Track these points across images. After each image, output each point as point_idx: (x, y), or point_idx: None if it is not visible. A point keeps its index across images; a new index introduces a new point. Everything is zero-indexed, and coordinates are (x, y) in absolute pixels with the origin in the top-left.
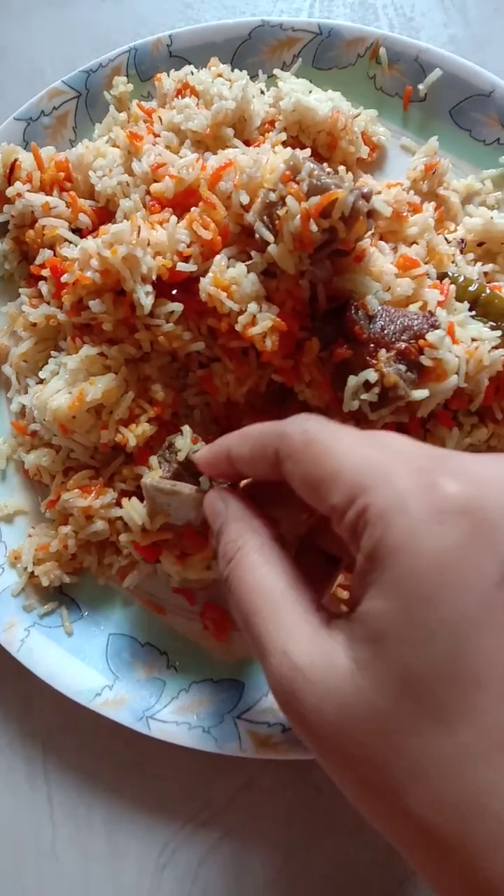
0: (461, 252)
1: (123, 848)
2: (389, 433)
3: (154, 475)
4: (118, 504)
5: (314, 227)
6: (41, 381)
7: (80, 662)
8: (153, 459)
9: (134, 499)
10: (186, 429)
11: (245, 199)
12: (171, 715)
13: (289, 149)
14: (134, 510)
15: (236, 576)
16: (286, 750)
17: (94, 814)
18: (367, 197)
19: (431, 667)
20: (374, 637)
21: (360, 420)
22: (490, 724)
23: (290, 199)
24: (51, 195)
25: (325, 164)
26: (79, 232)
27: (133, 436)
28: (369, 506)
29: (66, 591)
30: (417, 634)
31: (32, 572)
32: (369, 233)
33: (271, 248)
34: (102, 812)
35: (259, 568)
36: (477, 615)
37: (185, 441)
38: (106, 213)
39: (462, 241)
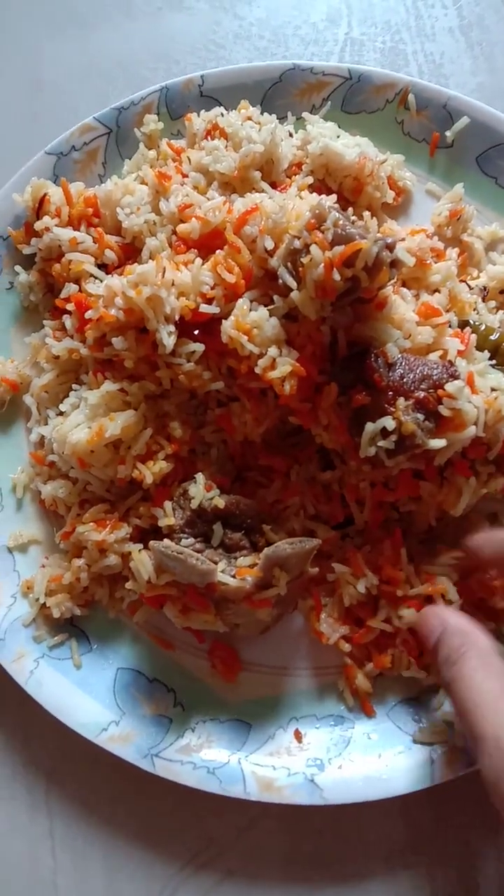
0: (483, 300)
1: (122, 885)
2: None
3: (166, 521)
4: (132, 539)
5: (337, 276)
6: (61, 413)
7: (88, 696)
8: (168, 506)
9: (144, 552)
10: (200, 476)
11: (270, 245)
12: (176, 754)
13: (314, 195)
14: (142, 564)
15: (459, 676)
16: (291, 794)
17: (95, 848)
18: (391, 247)
19: None
20: None
21: (375, 465)
22: None
23: (314, 248)
24: (78, 230)
25: (350, 210)
26: (104, 267)
27: (150, 473)
28: None
29: (76, 623)
30: None
31: (44, 603)
32: (392, 281)
33: (294, 294)
34: (102, 847)
35: (479, 670)
36: None
37: (198, 489)
38: (132, 250)
39: (485, 288)
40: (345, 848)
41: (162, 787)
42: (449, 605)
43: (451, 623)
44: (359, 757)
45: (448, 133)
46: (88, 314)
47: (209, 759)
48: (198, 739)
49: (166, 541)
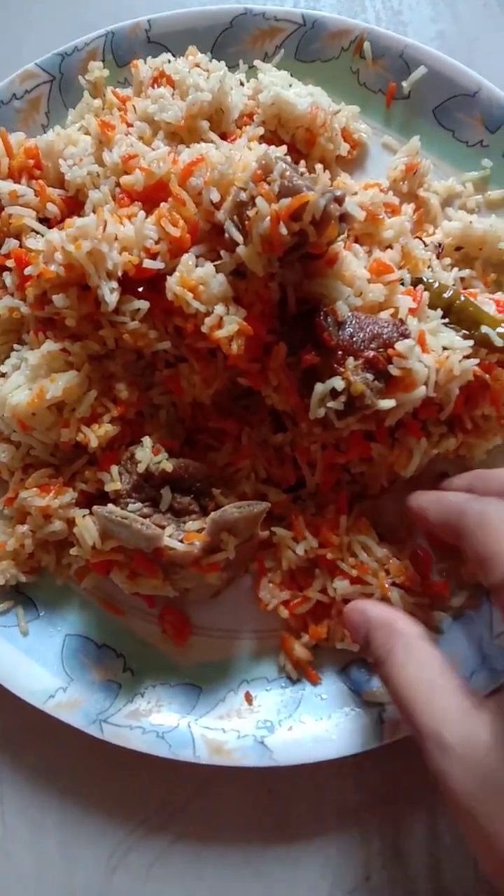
0: (438, 257)
1: (75, 849)
2: None
3: (112, 486)
4: (79, 504)
5: (284, 230)
6: (2, 375)
7: (35, 663)
8: (114, 470)
9: (88, 518)
10: (147, 440)
11: (216, 197)
12: (124, 719)
13: (262, 146)
14: (86, 530)
15: (389, 675)
16: (240, 757)
17: (47, 815)
18: (339, 200)
19: None
20: None
21: (326, 427)
22: None
23: (260, 200)
24: (19, 182)
25: (302, 163)
26: (47, 222)
27: (95, 436)
28: None
29: (22, 590)
30: None
31: None
32: (342, 236)
33: (240, 249)
34: (55, 813)
35: (407, 665)
36: None
37: (145, 452)
38: (76, 204)
39: (440, 245)
40: (298, 809)
41: (114, 753)
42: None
43: (373, 618)
44: (309, 718)
45: (405, 83)
46: (28, 270)
47: (158, 723)
48: (147, 704)
49: (111, 506)
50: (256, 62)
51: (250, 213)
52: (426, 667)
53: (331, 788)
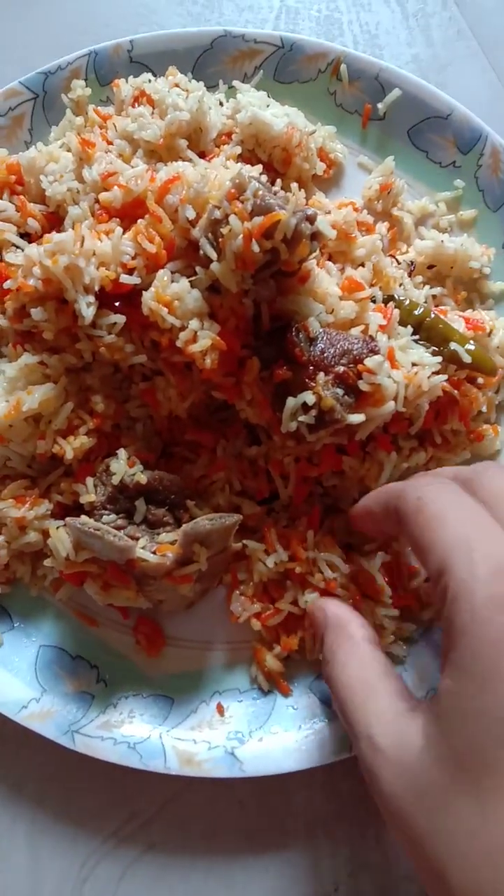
0: (410, 275)
1: (45, 860)
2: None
3: (87, 498)
4: (55, 516)
5: (256, 248)
6: None
7: (8, 674)
8: (89, 482)
9: (61, 529)
10: (122, 452)
11: (192, 214)
12: (96, 730)
13: (238, 165)
14: (59, 541)
15: (330, 676)
16: (210, 768)
17: (17, 825)
18: (311, 219)
19: (478, 751)
20: (441, 714)
21: (299, 440)
22: None
23: (233, 218)
24: (0, 198)
25: (278, 181)
26: (28, 237)
27: (70, 448)
28: (448, 586)
29: None
30: (471, 715)
31: None
32: (314, 254)
33: (214, 266)
34: (25, 824)
35: (347, 665)
36: None
37: (119, 465)
38: (56, 219)
39: (412, 263)
40: (268, 819)
41: (86, 764)
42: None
43: (330, 616)
44: (280, 729)
45: (380, 105)
46: (7, 284)
47: (130, 734)
48: (119, 715)
49: (84, 517)
50: (235, 82)
51: (224, 230)
52: (366, 668)
53: (300, 798)
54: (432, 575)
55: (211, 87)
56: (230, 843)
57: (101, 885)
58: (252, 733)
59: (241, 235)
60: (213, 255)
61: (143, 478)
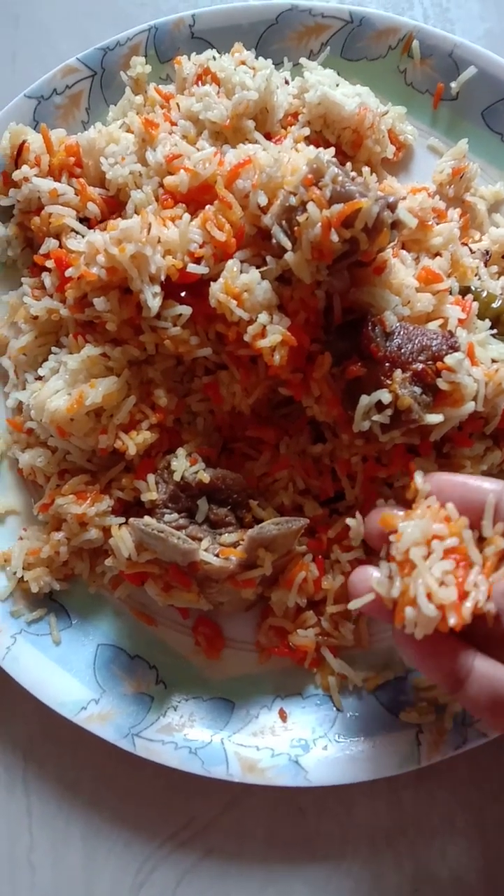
0: (485, 265)
1: (100, 864)
2: None
3: (149, 496)
4: (115, 512)
5: (335, 237)
6: (40, 378)
7: (67, 673)
8: (151, 479)
9: (124, 529)
10: (181, 450)
11: (263, 201)
12: (157, 733)
13: (311, 148)
14: (122, 541)
15: None
16: (274, 776)
17: (73, 826)
18: (392, 207)
19: None
20: None
21: (369, 439)
22: None
23: (311, 206)
24: (59, 181)
25: (348, 165)
26: (87, 221)
27: (133, 443)
28: None
29: (55, 597)
30: None
31: (22, 577)
32: (392, 244)
33: (288, 256)
34: (81, 825)
35: None
36: None
37: (180, 463)
38: (116, 203)
39: (487, 252)
40: (328, 828)
41: (143, 765)
42: None
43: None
44: (344, 737)
45: (453, 84)
46: (69, 272)
47: (191, 738)
48: (180, 719)
49: (147, 518)
50: (302, 60)
51: (300, 218)
52: None
53: (362, 808)
54: None
55: (275, 65)
56: (289, 852)
57: (156, 891)
58: (316, 741)
59: (320, 224)
60: (288, 244)
61: (205, 476)
